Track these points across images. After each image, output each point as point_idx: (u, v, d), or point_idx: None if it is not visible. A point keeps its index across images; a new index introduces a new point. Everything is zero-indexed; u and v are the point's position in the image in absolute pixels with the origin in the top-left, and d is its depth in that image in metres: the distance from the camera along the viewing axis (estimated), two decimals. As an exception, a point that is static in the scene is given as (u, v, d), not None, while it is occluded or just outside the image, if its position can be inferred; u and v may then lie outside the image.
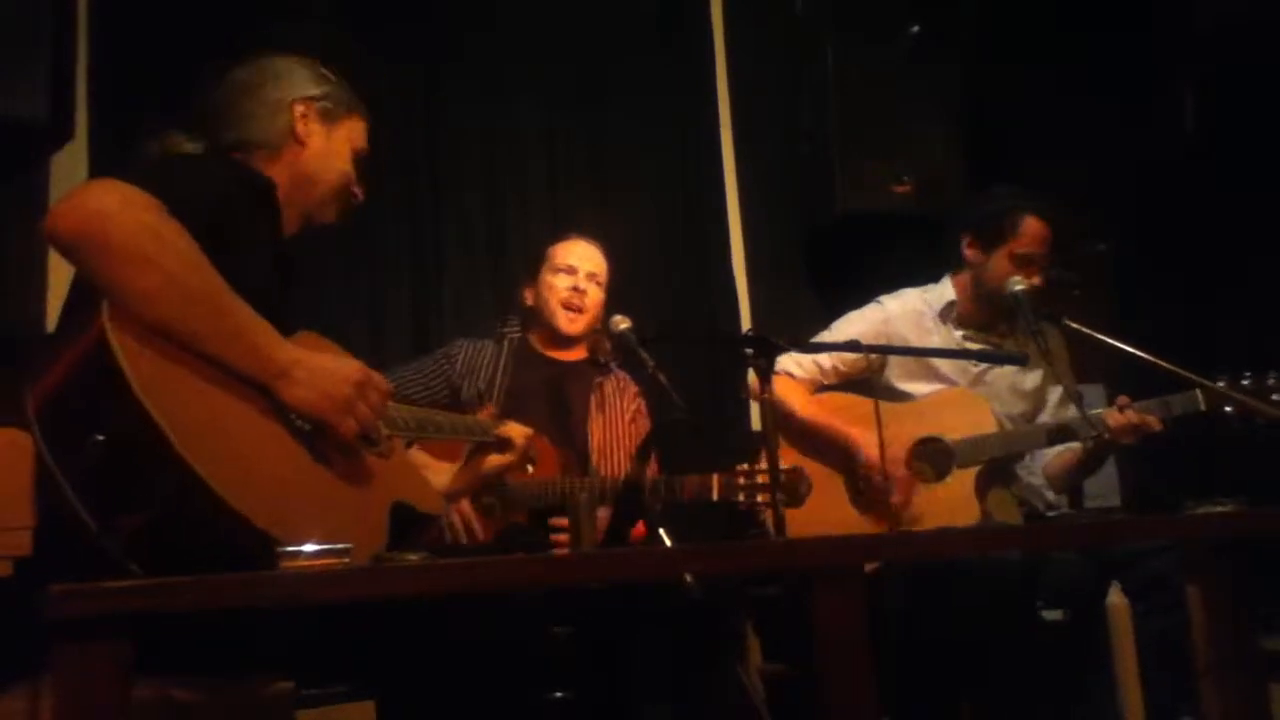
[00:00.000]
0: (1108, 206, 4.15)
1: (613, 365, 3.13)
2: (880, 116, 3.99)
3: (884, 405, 3.09)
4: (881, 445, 2.73)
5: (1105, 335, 2.90)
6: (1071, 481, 3.15)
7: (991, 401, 3.04)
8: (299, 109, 2.03)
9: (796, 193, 4.27)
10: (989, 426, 2.98)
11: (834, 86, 4.00)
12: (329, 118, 2.07)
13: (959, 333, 3.16)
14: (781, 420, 3.09)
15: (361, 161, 2.14)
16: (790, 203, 4.29)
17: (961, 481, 2.95)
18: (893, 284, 3.36)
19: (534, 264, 3.14)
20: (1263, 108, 3.97)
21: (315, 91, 2.06)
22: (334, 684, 2.11)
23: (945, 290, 3.19)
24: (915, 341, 3.15)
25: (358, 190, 2.13)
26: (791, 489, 2.59)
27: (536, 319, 3.12)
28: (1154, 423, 2.84)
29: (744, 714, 2.65)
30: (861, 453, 2.99)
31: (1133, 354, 2.79)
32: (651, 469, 2.96)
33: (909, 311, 3.19)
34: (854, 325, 3.20)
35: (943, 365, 3.11)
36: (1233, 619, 2.04)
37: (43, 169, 3.06)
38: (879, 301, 3.25)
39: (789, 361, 3.16)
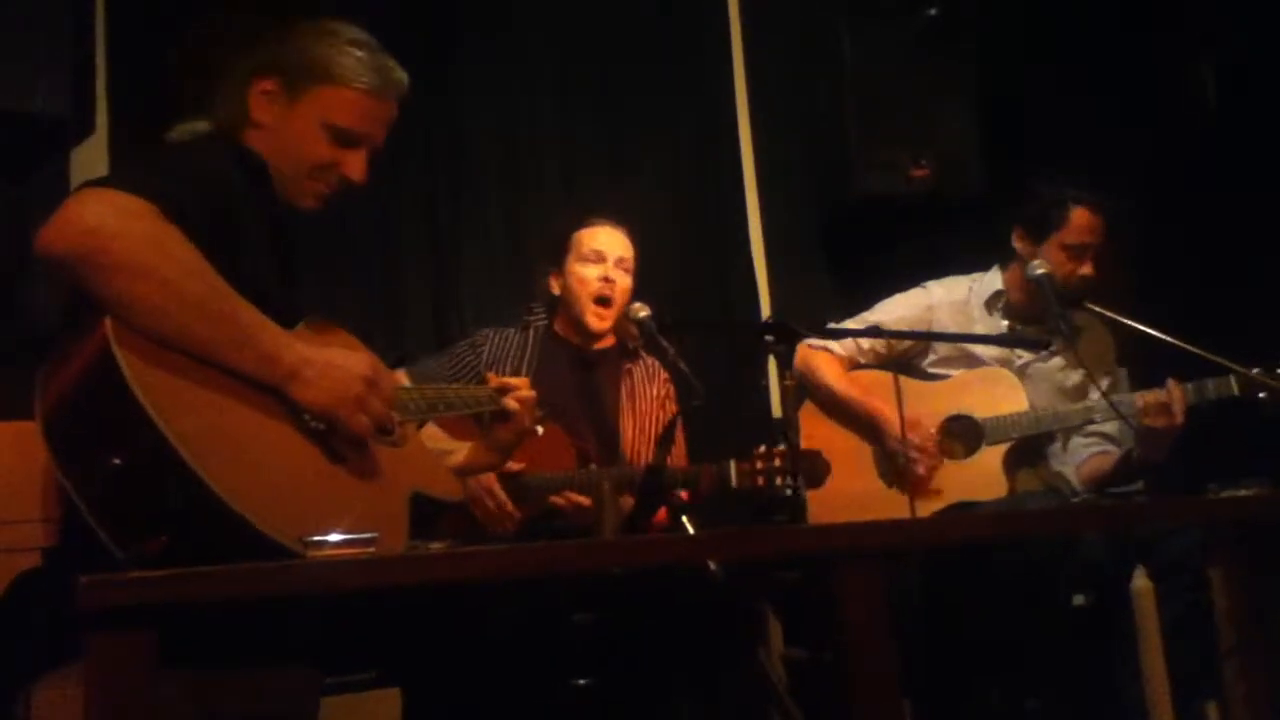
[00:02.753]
0: (1127, 188, 4.12)
1: (642, 351, 3.12)
2: (897, 100, 3.96)
3: (916, 384, 3.13)
4: (903, 420, 2.76)
5: (1126, 318, 2.91)
6: (1103, 486, 3.15)
7: (1031, 395, 3.04)
8: (260, 86, 1.87)
9: (814, 178, 4.26)
10: (1020, 404, 2.99)
11: (850, 70, 3.98)
12: (291, 91, 1.87)
13: (1004, 323, 3.16)
14: (815, 392, 3.13)
15: (347, 137, 1.89)
16: (808, 188, 4.28)
17: (990, 458, 2.98)
18: (912, 268, 3.35)
19: (558, 250, 3.07)
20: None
21: (279, 63, 1.87)
22: (359, 672, 2.12)
23: (994, 280, 3.19)
24: (956, 330, 3.14)
25: (347, 173, 1.91)
26: (810, 471, 2.59)
27: (564, 308, 3.08)
28: (1177, 397, 2.84)
29: (765, 700, 2.66)
30: (889, 426, 3.00)
31: (1160, 338, 2.79)
32: (680, 453, 2.97)
33: (954, 299, 3.20)
34: (898, 308, 3.21)
35: (984, 354, 3.11)
36: (1256, 602, 2.04)
37: (63, 163, 3.08)
38: (924, 286, 3.25)
39: (831, 339, 3.17)
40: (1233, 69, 4.22)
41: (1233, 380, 2.83)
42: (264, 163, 1.88)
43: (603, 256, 3.01)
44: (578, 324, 3.04)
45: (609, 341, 3.10)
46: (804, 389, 3.16)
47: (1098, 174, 3.32)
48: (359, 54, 1.90)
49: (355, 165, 1.92)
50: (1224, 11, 4.21)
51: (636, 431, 3.01)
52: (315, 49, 1.89)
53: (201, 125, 1.92)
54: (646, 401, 3.07)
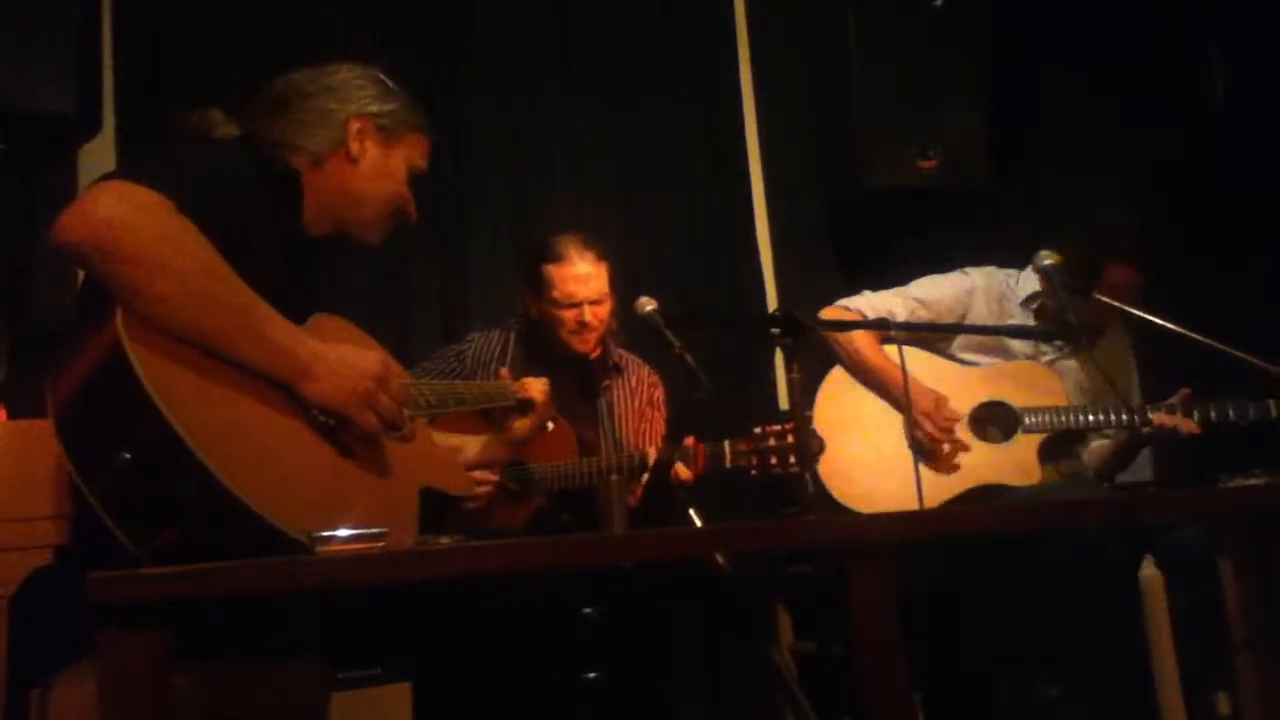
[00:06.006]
0: (1135, 179, 4.11)
1: (623, 364, 3.12)
2: (904, 92, 3.95)
3: (955, 367, 3.13)
4: (908, 394, 2.83)
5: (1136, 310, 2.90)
6: (1110, 469, 3.14)
7: None
8: (355, 125, 1.97)
9: (821, 171, 4.25)
10: (1059, 400, 3.00)
11: (857, 63, 3.97)
12: (388, 135, 2.01)
13: (1033, 322, 3.15)
14: (847, 358, 3.14)
15: (414, 178, 2.07)
16: (815, 181, 4.27)
17: (1025, 446, 2.99)
18: (918, 260, 3.34)
19: (533, 280, 3.05)
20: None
21: (376, 108, 1.99)
22: (370, 666, 2.12)
23: (1031, 280, 3.16)
24: (991, 320, 3.14)
25: (411, 210, 2.07)
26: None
27: (546, 327, 3.07)
28: (1192, 427, 2.87)
29: (775, 692, 2.66)
30: (917, 403, 3.01)
31: (1181, 333, 2.77)
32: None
33: (993, 288, 3.18)
34: (939, 288, 3.19)
35: (1014, 345, 3.11)
36: (1267, 593, 2.03)
37: (71, 161, 3.09)
38: (964, 271, 3.22)
39: (864, 304, 3.16)
40: (1241, 60, 4.21)
41: (1271, 407, 2.83)
42: (294, 175, 1.92)
43: (576, 302, 2.99)
44: (561, 342, 3.04)
45: (593, 354, 3.10)
46: (833, 356, 3.15)
47: (1103, 163, 3.30)
48: (412, 102, 2.06)
49: (413, 201, 2.08)
50: (1231, 4, 4.19)
51: (611, 447, 3.02)
52: (394, 98, 2.03)
53: (224, 125, 1.94)
54: (627, 416, 3.07)
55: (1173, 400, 2.93)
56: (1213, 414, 2.90)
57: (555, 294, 2.99)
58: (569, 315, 2.99)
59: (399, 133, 2.02)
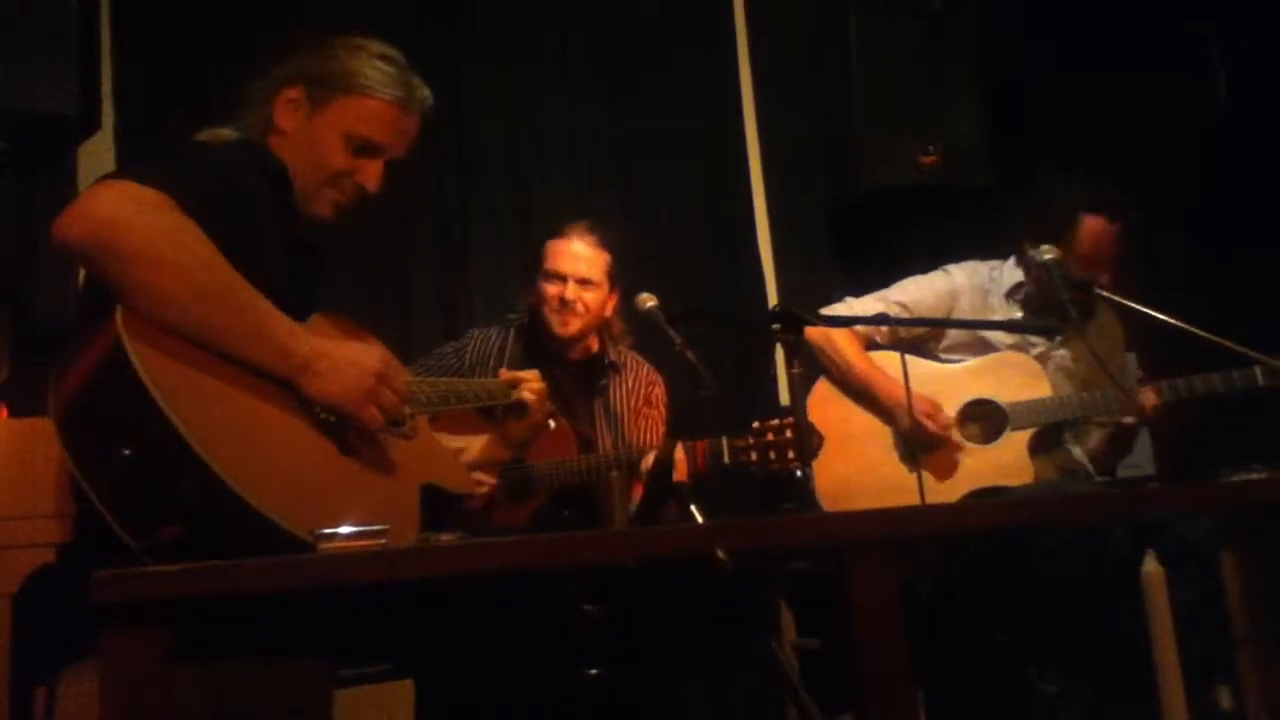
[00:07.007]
0: (1135, 175, 4.11)
1: (621, 363, 3.11)
2: (905, 89, 3.95)
3: (936, 367, 3.12)
4: (910, 401, 2.81)
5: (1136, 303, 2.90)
6: (1107, 461, 3.14)
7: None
8: (286, 94, 1.90)
9: (822, 169, 4.25)
10: (1043, 390, 2.99)
11: (858, 60, 3.97)
12: (315, 101, 1.90)
13: (1019, 313, 3.14)
14: (834, 368, 3.13)
15: (367, 147, 1.92)
16: (815, 179, 4.27)
17: (1015, 444, 2.98)
18: (919, 257, 3.34)
19: (533, 262, 3.09)
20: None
21: (306, 73, 1.91)
22: (372, 664, 2.13)
23: (1014, 271, 3.16)
24: (975, 316, 3.13)
25: (362, 181, 1.93)
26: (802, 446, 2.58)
27: (540, 318, 3.07)
28: (1152, 399, 2.87)
29: (778, 689, 2.66)
30: (904, 408, 3.00)
31: (1174, 324, 2.77)
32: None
33: (976, 286, 3.17)
34: (921, 290, 3.19)
35: (999, 340, 3.10)
36: (1268, 588, 2.03)
37: (71, 160, 3.09)
38: (946, 270, 3.22)
39: (845, 311, 3.15)
40: (1243, 58, 4.21)
41: (1258, 372, 2.82)
42: (284, 169, 1.89)
43: (563, 277, 2.99)
44: (549, 330, 3.05)
45: (590, 351, 3.10)
46: (820, 365, 3.14)
47: (1103, 163, 3.29)
48: (384, 67, 1.94)
49: (371, 174, 1.95)
50: (1231, 6, 4.19)
51: (610, 445, 3.02)
52: (342, 61, 1.92)
53: (227, 132, 1.93)
54: (625, 415, 3.07)
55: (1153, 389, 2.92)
56: (1199, 388, 2.88)
57: (546, 266, 3.02)
58: (552, 291, 2.99)
59: (326, 96, 1.90)
